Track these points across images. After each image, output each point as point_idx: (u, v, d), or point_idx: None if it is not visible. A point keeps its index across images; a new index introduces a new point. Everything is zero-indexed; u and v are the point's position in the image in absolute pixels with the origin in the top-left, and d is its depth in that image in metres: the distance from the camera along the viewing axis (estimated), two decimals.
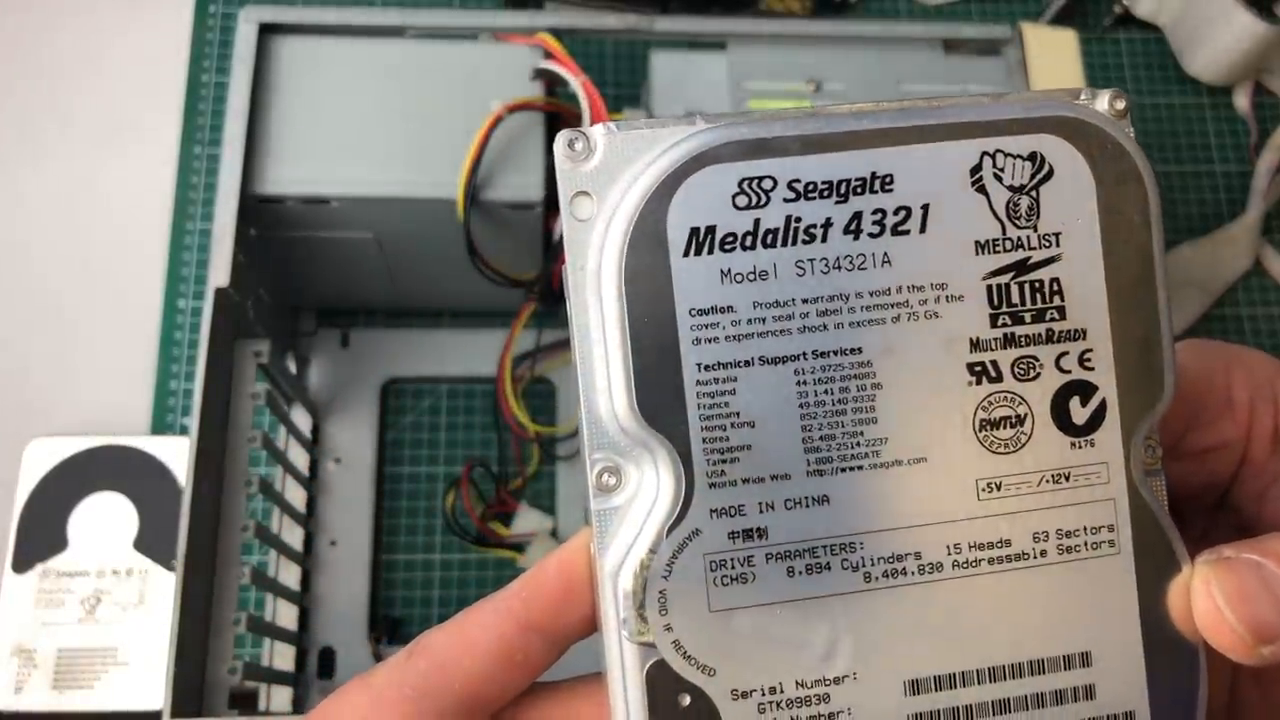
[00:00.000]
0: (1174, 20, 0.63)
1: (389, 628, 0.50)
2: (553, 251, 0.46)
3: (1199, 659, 0.22)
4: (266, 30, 0.46)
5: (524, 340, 0.52)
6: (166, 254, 0.58)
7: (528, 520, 0.52)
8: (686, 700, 0.21)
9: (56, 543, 0.50)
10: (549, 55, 0.46)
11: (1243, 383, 0.23)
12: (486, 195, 0.45)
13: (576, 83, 0.44)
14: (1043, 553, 0.22)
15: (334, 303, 0.55)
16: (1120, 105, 0.22)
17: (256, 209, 0.44)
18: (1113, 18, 0.65)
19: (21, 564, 0.50)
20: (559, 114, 0.46)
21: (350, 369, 0.54)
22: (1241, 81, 0.63)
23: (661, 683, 0.21)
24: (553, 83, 0.47)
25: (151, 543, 0.50)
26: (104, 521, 0.51)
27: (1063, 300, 0.22)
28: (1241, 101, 0.64)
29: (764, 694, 0.21)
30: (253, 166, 0.44)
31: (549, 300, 0.50)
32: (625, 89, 0.60)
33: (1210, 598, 0.21)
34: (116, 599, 0.49)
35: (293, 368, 0.53)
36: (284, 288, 0.51)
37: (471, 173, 0.44)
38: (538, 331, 0.52)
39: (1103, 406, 0.22)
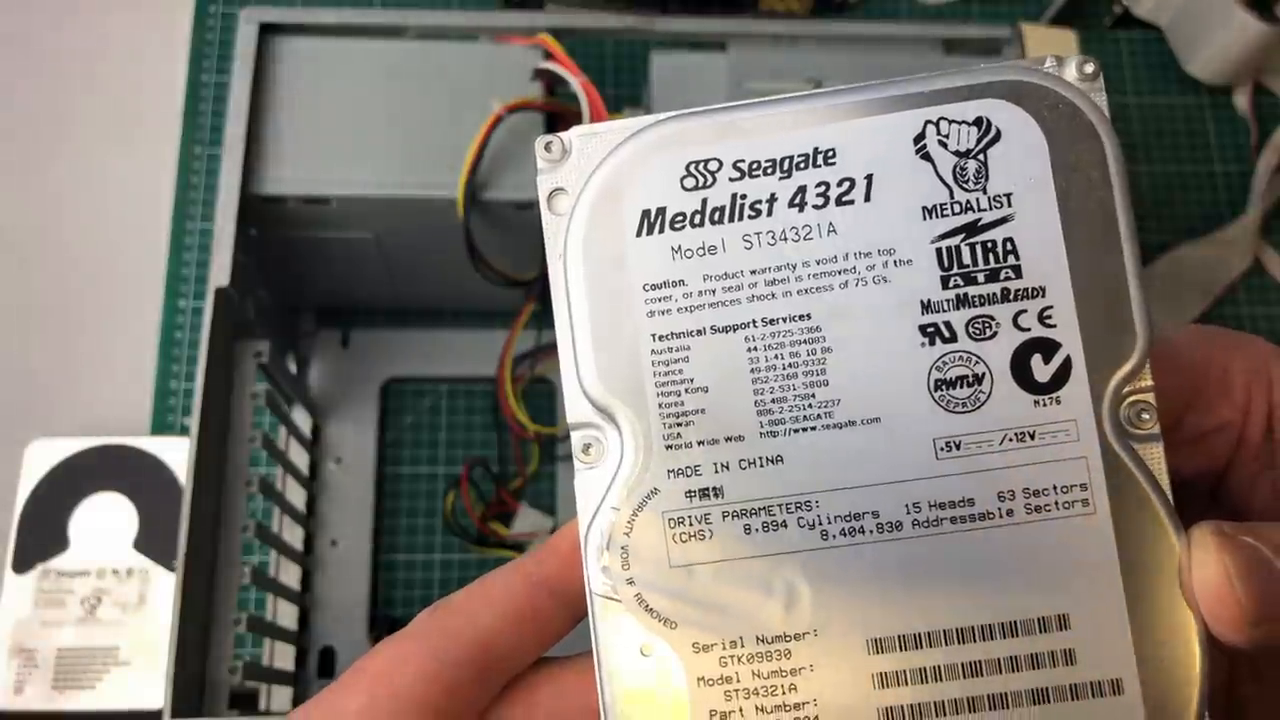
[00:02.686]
0: (1174, 20, 0.63)
1: (389, 628, 0.50)
2: None
3: (1193, 629, 0.21)
4: (267, 30, 0.46)
5: (524, 340, 0.52)
6: (167, 254, 0.58)
7: (528, 520, 0.52)
8: (649, 651, 0.22)
9: (57, 543, 0.50)
10: (549, 55, 0.46)
11: (1240, 365, 0.23)
12: (486, 195, 0.45)
13: (576, 83, 0.44)
14: (1009, 512, 0.21)
15: (334, 303, 0.55)
16: (1089, 69, 0.22)
17: (257, 209, 0.44)
18: (1113, 18, 0.65)
19: (22, 564, 0.50)
20: (559, 114, 0.46)
21: (350, 369, 0.55)
22: (1241, 81, 0.63)
23: (625, 634, 0.22)
24: (553, 83, 0.47)
25: (152, 543, 0.50)
26: (104, 521, 0.51)
27: (1018, 259, 0.22)
28: (1241, 101, 0.64)
29: (725, 648, 0.22)
30: (253, 166, 0.44)
31: (549, 300, 0.50)
32: (625, 89, 0.60)
33: (1220, 566, 0.20)
34: (117, 599, 0.49)
35: (293, 368, 0.53)
36: (284, 288, 0.51)
37: (471, 172, 0.44)
38: (538, 331, 0.52)
39: (1067, 363, 0.22)
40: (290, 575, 0.49)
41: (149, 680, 0.48)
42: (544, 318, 0.52)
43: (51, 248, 0.57)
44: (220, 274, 0.42)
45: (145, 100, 0.60)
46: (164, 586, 0.49)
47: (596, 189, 0.23)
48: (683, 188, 0.22)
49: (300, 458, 0.51)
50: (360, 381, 0.54)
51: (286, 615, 0.49)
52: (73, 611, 0.49)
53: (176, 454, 0.52)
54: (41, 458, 0.51)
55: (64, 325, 0.56)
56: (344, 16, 0.47)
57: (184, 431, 0.54)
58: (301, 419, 0.52)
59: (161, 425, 0.54)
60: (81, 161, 0.59)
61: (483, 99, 0.45)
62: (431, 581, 0.52)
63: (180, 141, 0.60)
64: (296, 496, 0.51)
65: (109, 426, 0.53)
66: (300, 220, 0.46)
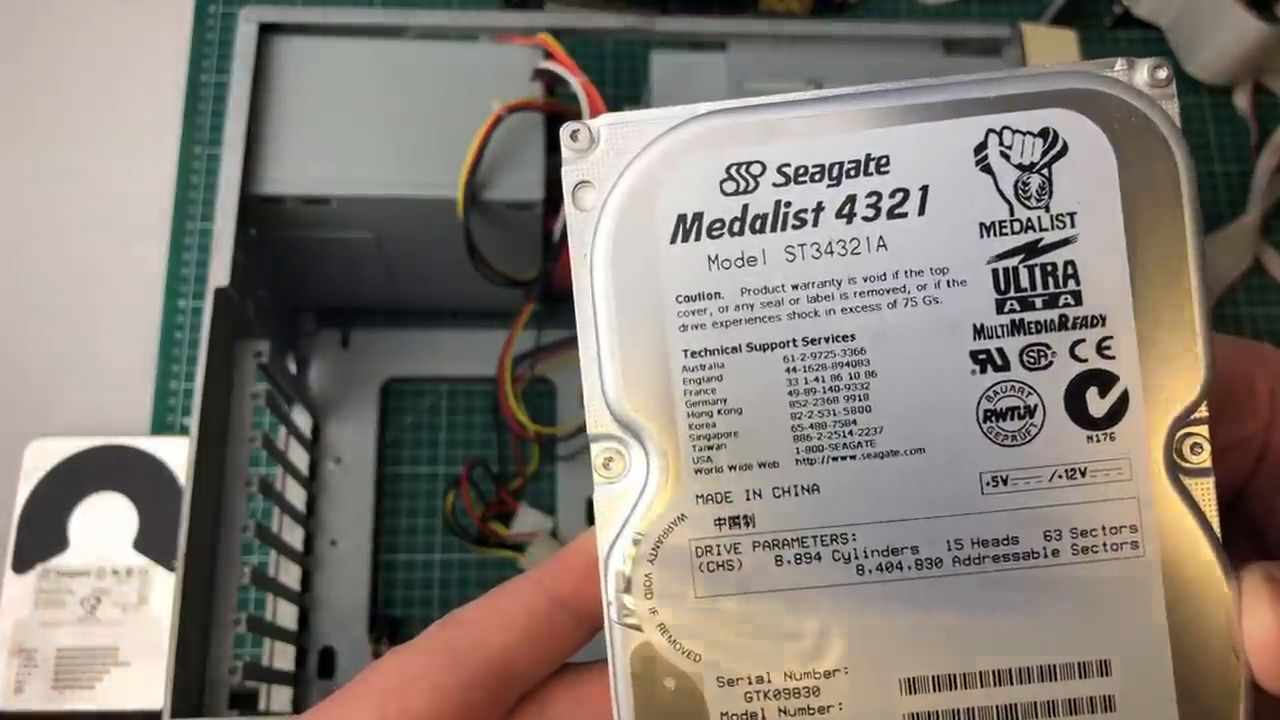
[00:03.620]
0: (1174, 20, 0.63)
1: (389, 628, 0.50)
2: (553, 251, 0.46)
3: (1242, 679, 0.20)
4: (266, 30, 0.46)
5: (524, 340, 0.52)
6: (166, 254, 0.58)
7: (528, 520, 0.52)
8: (672, 684, 0.21)
9: (57, 543, 0.50)
10: (549, 55, 0.46)
11: (1264, 376, 0.23)
12: (486, 195, 0.45)
13: (576, 83, 0.44)
14: (1054, 552, 0.20)
15: (334, 303, 0.55)
16: (1161, 75, 0.21)
17: (257, 209, 0.44)
18: (1113, 18, 0.65)
19: (21, 564, 0.50)
20: (559, 114, 0.46)
21: (350, 369, 0.54)
22: (1241, 81, 0.63)
23: (647, 665, 0.21)
24: (553, 83, 0.47)
25: (151, 542, 0.50)
26: (104, 521, 0.51)
27: (1078, 284, 0.20)
28: (1241, 101, 0.64)
29: (750, 683, 0.21)
30: (253, 166, 0.44)
31: (549, 300, 0.49)
32: (625, 89, 0.60)
33: (1273, 616, 0.19)
34: (116, 599, 0.49)
35: (293, 368, 0.53)
36: (284, 288, 0.51)
37: (471, 172, 0.44)
38: (538, 331, 0.52)
39: (1124, 397, 0.20)
40: (290, 575, 0.49)
41: (149, 680, 0.48)
42: (544, 318, 0.52)
43: (51, 247, 0.57)
44: (220, 274, 0.42)
45: (145, 100, 0.60)
46: (164, 586, 0.49)
47: (628, 188, 0.21)
48: (722, 192, 0.21)
49: (300, 458, 0.51)
50: (360, 381, 0.54)
51: (286, 615, 0.49)
52: (72, 611, 0.49)
53: (176, 454, 0.52)
54: (41, 458, 0.51)
55: (64, 325, 0.56)
56: (344, 16, 0.47)
57: (184, 431, 0.54)
58: (301, 419, 0.52)
59: (161, 425, 0.54)
60: (81, 161, 0.59)
61: (483, 99, 0.45)
62: (431, 581, 0.52)
63: (180, 141, 0.60)
64: (296, 496, 0.51)
65: (109, 426, 0.53)
66: (300, 220, 0.46)
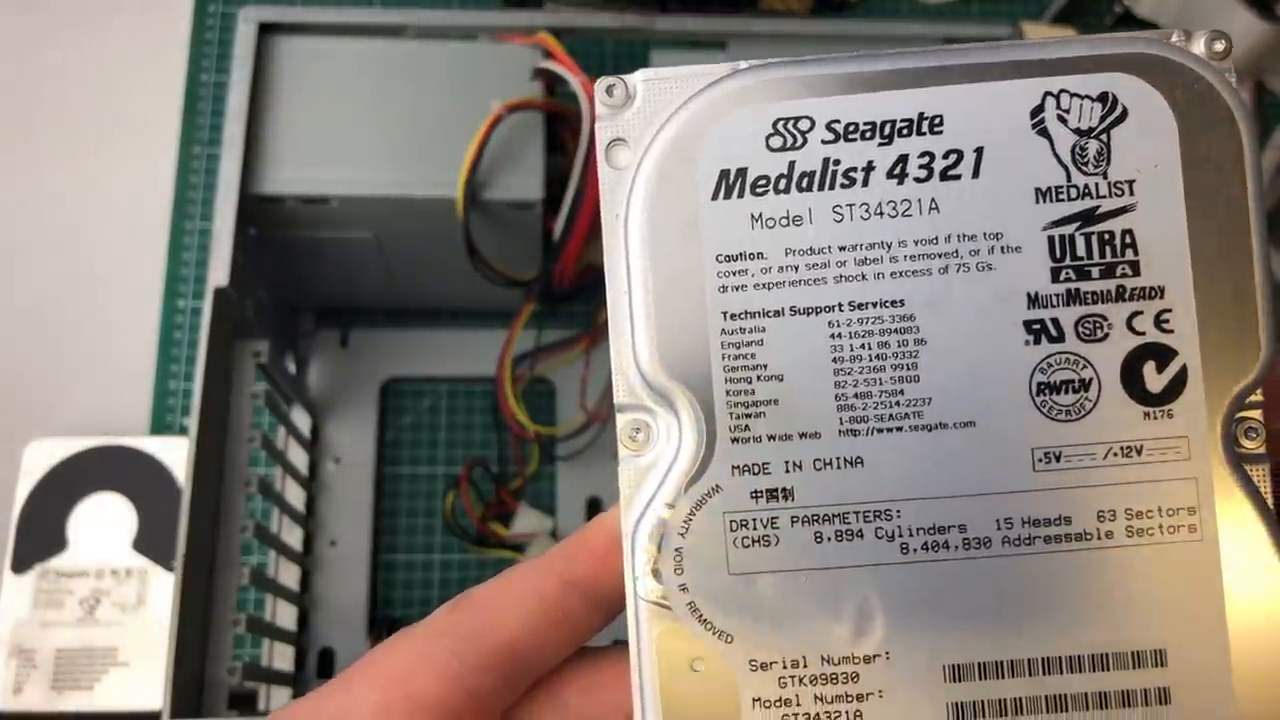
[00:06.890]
0: (1174, 20, 0.63)
1: (389, 628, 0.50)
2: (553, 251, 0.46)
3: None
4: (266, 30, 0.46)
5: (524, 340, 0.51)
6: (166, 254, 0.57)
7: (527, 520, 0.52)
8: (701, 666, 0.20)
9: (56, 543, 0.50)
10: (549, 54, 0.46)
11: None
12: (486, 195, 0.45)
13: (576, 82, 0.44)
14: (1108, 533, 0.20)
15: (334, 302, 0.55)
16: (1219, 46, 0.20)
17: (256, 208, 0.44)
18: (1113, 17, 0.65)
19: (20, 564, 0.50)
20: (559, 113, 0.46)
21: (350, 369, 0.54)
22: (1241, 81, 0.63)
23: (675, 646, 0.20)
24: (552, 82, 0.47)
25: (151, 543, 0.50)
26: (103, 522, 0.51)
27: (1136, 254, 0.20)
28: None
29: (785, 666, 0.20)
30: (252, 166, 0.44)
31: (549, 300, 0.49)
32: None
33: None
34: (116, 599, 0.49)
35: (292, 368, 0.53)
36: (283, 287, 0.50)
37: (471, 172, 0.44)
38: (538, 331, 0.52)
39: (1183, 373, 0.20)
40: (289, 576, 0.49)
41: (148, 681, 0.48)
42: (544, 318, 0.52)
43: (51, 247, 0.57)
44: (219, 274, 0.42)
45: (145, 100, 0.60)
46: (163, 587, 0.49)
47: (667, 142, 0.20)
48: (768, 147, 0.20)
49: (299, 458, 0.51)
50: (360, 381, 0.54)
51: (286, 616, 0.49)
52: (71, 612, 0.49)
53: (176, 454, 0.52)
54: (41, 458, 0.51)
55: (63, 325, 0.56)
56: (344, 16, 0.47)
57: (183, 431, 0.54)
58: (301, 419, 0.52)
59: (161, 425, 0.54)
60: (81, 161, 0.59)
61: (483, 99, 0.45)
62: (431, 582, 0.52)
63: (180, 141, 0.60)
64: (295, 497, 0.51)
65: (108, 426, 0.53)
66: (300, 220, 0.46)
